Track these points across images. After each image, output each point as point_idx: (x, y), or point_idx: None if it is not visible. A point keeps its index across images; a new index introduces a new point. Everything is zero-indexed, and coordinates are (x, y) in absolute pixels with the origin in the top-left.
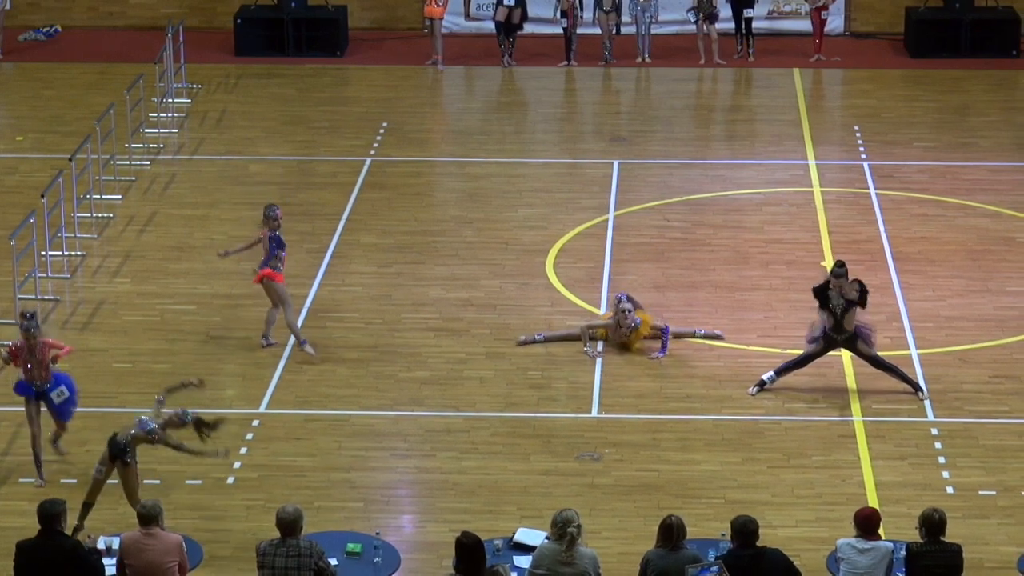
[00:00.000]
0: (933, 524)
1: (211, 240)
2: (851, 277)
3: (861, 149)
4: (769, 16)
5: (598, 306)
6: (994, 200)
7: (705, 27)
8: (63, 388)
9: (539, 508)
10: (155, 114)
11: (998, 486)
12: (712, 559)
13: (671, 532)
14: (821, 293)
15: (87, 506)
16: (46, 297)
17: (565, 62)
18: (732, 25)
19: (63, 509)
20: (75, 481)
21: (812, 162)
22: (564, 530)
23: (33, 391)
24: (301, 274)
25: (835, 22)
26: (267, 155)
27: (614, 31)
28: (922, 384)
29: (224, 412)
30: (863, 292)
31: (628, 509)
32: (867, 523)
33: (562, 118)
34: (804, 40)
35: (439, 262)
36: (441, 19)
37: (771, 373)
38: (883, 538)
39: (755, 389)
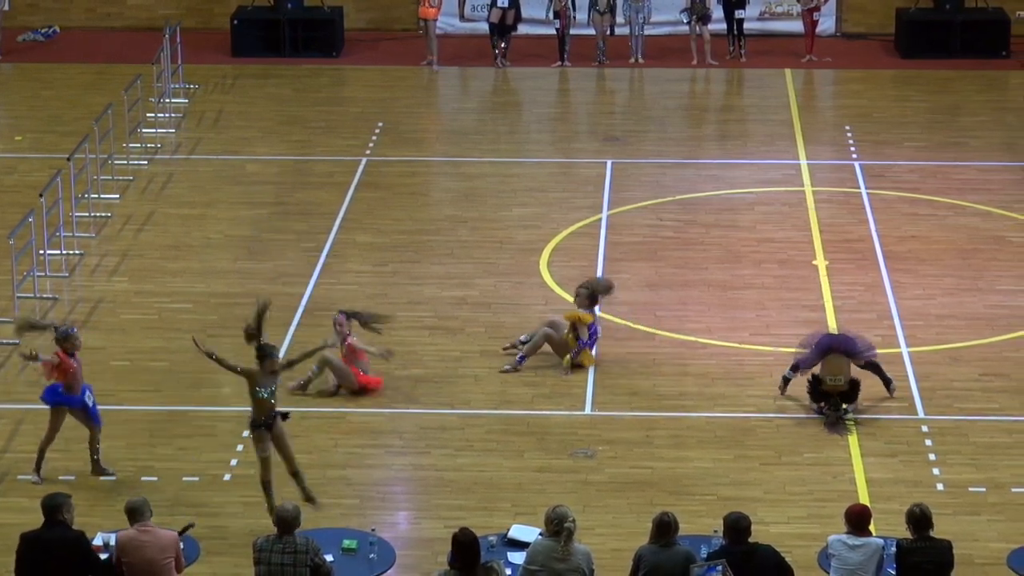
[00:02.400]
0: (916, 519)
1: (208, 239)
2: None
3: (852, 149)
4: (761, 17)
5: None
6: (984, 199)
7: (698, 28)
8: (89, 393)
9: (533, 505)
10: (152, 114)
11: (988, 483)
12: (704, 556)
13: (664, 528)
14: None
15: (266, 484)
16: (44, 296)
17: (559, 63)
18: (724, 26)
19: (64, 501)
20: (73, 478)
21: (804, 162)
22: (560, 525)
23: (76, 400)
24: (297, 273)
25: (826, 23)
26: (264, 155)
27: (608, 32)
28: (912, 381)
29: (222, 409)
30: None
31: (621, 506)
32: (858, 520)
33: (556, 118)
34: (796, 41)
35: (434, 261)
36: (436, 20)
37: (788, 371)
38: (874, 534)
39: (782, 389)
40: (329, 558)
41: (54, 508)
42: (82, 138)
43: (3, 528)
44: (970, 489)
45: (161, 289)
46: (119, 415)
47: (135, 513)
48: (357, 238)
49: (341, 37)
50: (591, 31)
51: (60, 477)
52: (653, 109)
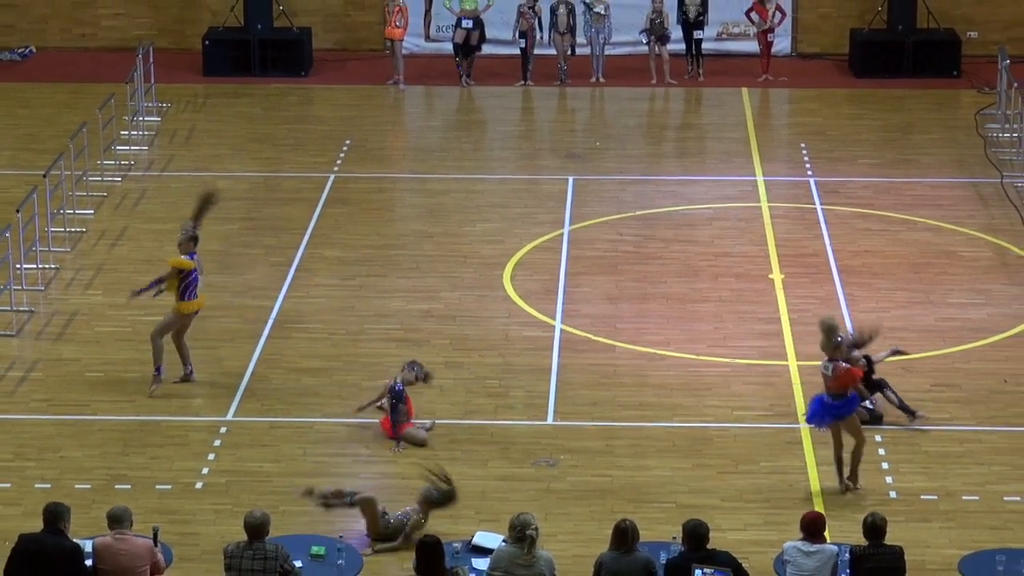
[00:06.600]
0: (869, 528)
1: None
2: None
3: (807, 166)
4: (718, 38)
5: (553, 317)
6: (935, 215)
7: (657, 48)
8: None
9: (497, 512)
10: (126, 132)
11: (940, 491)
12: (663, 562)
13: (624, 535)
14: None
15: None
16: (21, 309)
17: (522, 82)
18: (683, 46)
19: (66, 511)
20: (49, 486)
21: (760, 178)
22: (523, 532)
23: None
24: (267, 286)
25: (782, 43)
26: (234, 171)
27: (569, 52)
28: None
29: (193, 420)
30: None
31: (583, 513)
32: (813, 527)
33: (519, 136)
34: (752, 60)
35: (400, 275)
36: (402, 40)
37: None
38: (828, 541)
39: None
40: (298, 564)
41: (56, 516)
42: (57, 155)
43: None
44: (922, 497)
45: (134, 302)
46: (93, 424)
47: (114, 521)
48: (325, 252)
49: (309, 57)
50: (552, 51)
51: (36, 485)
52: (613, 127)
